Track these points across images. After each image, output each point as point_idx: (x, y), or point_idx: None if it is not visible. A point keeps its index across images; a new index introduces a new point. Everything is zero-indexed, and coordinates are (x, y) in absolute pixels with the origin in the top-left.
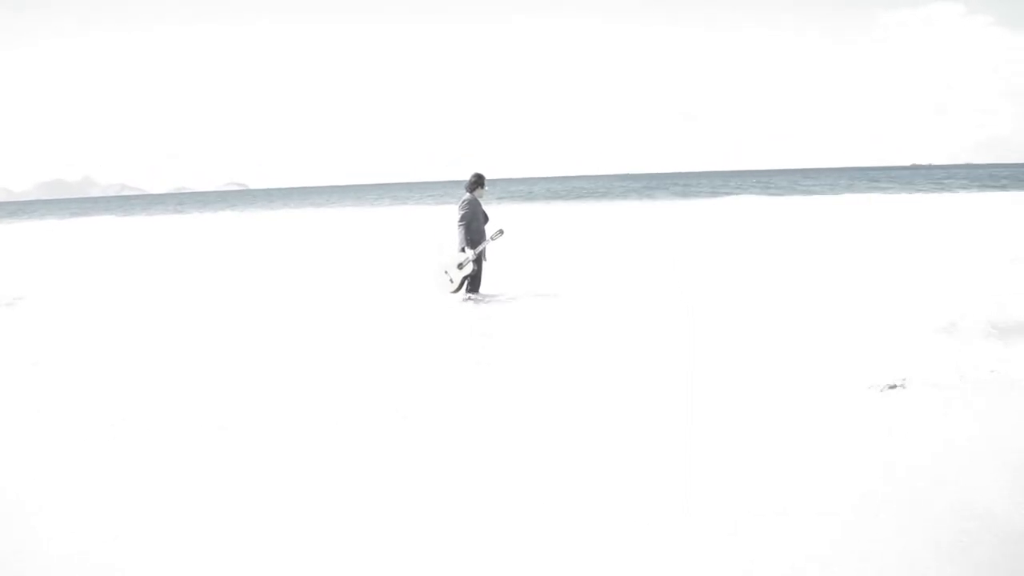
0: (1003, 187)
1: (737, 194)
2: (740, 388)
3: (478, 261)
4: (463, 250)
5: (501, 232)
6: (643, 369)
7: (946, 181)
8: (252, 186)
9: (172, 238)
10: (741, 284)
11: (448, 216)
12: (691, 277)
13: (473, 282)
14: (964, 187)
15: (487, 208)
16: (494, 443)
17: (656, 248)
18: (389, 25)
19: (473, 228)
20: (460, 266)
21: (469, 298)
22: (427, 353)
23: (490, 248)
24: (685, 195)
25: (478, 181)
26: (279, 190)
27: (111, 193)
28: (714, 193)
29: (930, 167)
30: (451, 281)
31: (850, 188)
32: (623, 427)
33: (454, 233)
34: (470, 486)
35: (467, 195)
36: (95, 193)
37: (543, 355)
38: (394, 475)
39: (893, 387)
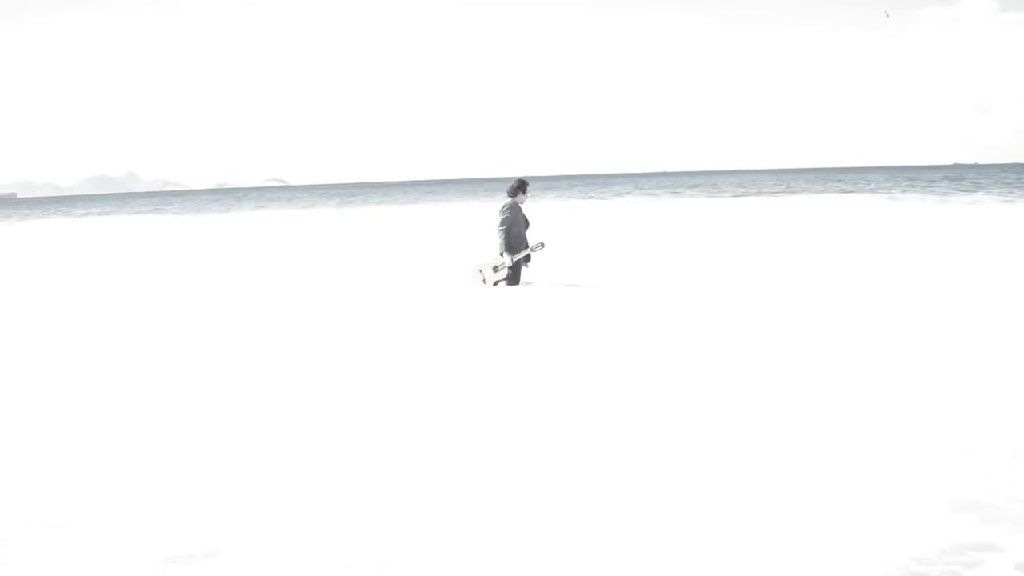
0: None
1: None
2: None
3: (516, 268)
4: (502, 255)
5: (542, 245)
6: (658, 365)
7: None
8: (292, 182)
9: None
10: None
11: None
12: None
13: (509, 284)
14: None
15: (528, 213)
16: (497, 436)
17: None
18: (422, 18)
19: (513, 233)
20: (495, 269)
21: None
22: (437, 343)
23: (533, 256)
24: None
25: (520, 186)
26: (319, 186)
27: (154, 188)
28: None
29: (974, 166)
30: (483, 282)
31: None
32: (630, 423)
33: (494, 237)
34: (471, 480)
35: (508, 199)
36: (139, 188)
37: (555, 344)
38: (396, 468)
39: None
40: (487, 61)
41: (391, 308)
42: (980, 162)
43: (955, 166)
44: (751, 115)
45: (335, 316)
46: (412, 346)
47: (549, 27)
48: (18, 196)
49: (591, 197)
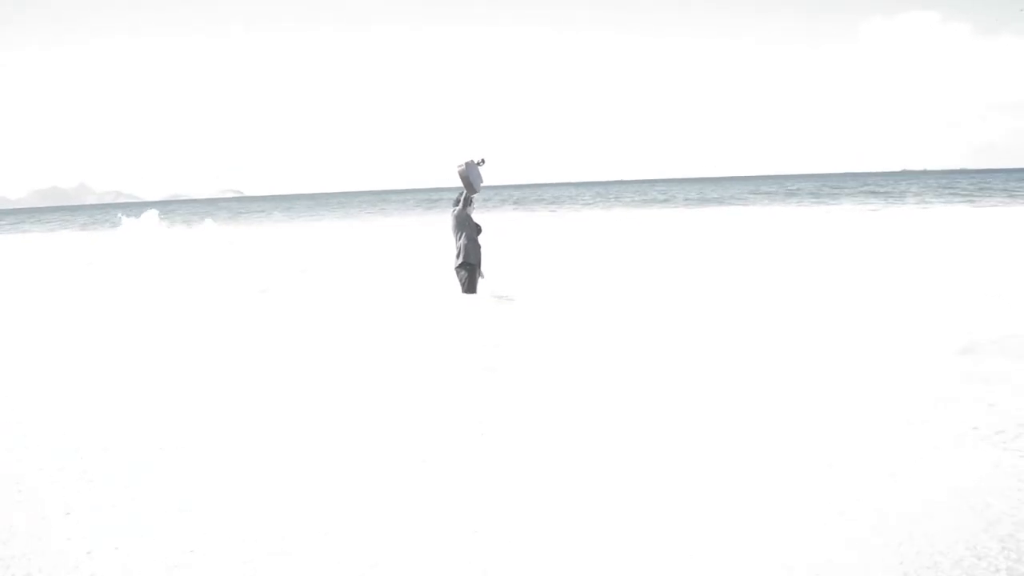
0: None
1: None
2: (748, 397)
3: (472, 277)
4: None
5: (483, 161)
6: (651, 374)
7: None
8: (248, 193)
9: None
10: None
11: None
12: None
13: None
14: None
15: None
16: (502, 451)
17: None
18: (385, 28)
19: (468, 236)
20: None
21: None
22: (436, 359)
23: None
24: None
25: (466, 197)
26: (275, 197)
27: (107, 200)
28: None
29: (924, 172)
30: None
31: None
32: (629, 433)
33: (453, 243)
34: (461, 483)
35: (455, 208)
36: (91, 200)
37: (553, 361)
38: (389, 470)
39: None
40: (448, 74)
41: (364, 322)
42: (929, 168)
43: (903, 172)
44: (711, 126)
45: (311, 336)
46: (397, 354)
47: (507, 41)
48: None
49: (532, 209)
